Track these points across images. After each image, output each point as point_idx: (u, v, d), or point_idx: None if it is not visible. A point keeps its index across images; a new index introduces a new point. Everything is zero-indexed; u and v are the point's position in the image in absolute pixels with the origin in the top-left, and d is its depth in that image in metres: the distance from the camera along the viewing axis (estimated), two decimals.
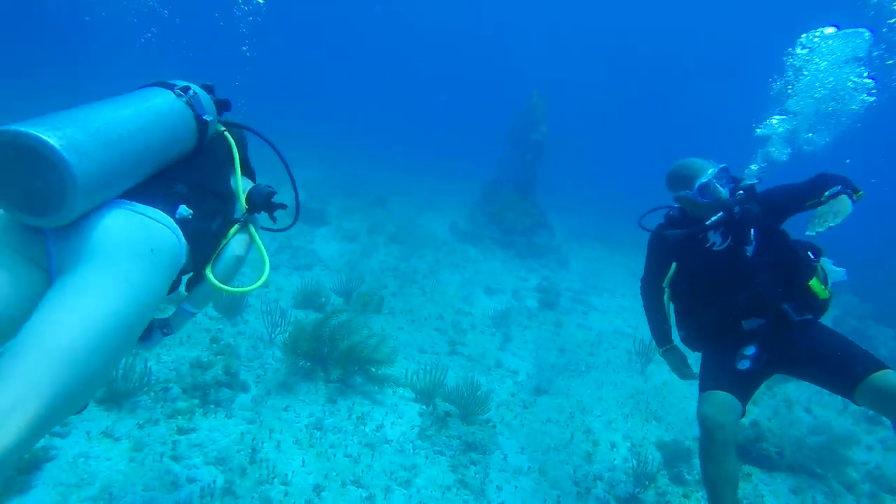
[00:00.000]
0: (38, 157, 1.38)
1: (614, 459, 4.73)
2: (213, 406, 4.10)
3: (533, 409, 5.38)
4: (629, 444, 4.98)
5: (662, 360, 6.92)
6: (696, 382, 6.45)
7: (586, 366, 6.90)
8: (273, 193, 2.23)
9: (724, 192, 3.00)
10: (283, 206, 2.25)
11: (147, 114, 1.76)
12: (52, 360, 1.27)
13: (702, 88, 48.81)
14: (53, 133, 1.39)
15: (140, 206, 1.63)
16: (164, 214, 1.68)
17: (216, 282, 1.96)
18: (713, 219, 2.96)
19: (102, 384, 1.56)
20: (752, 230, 2.97)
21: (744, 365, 2.90)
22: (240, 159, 2.22)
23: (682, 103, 49.55)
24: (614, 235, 18.56)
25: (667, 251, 3.26)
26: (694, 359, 3.45)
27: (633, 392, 6.26)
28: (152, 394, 4.02)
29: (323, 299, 6.70)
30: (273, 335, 5.48)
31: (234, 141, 2.25)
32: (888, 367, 2.69)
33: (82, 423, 3.65)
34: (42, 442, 3.42)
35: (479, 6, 47.42)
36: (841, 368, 2.75)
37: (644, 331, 9.07)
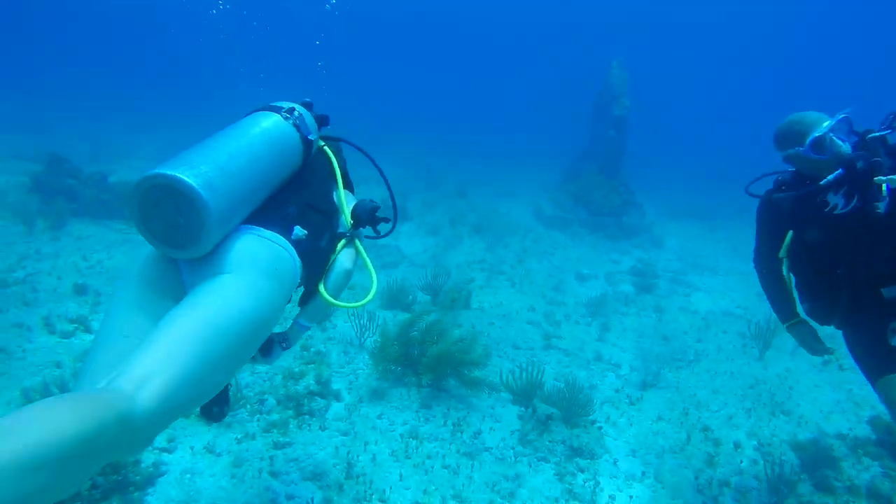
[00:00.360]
0: (180, 197, 1.54)
1: (740, 462, 4.23)
2: (307, 417, 4.04)
3: (640, 405, 4.96)
4: (756, 444, 4.45)
5: (782, 345, 6.27)
6: (828, 369, 5.70)
7: (695, 354, 6.33)
8: (377, 208, 2.27)
9: (843, 145, 2.60)
10: (386, 220, 2.30)
11: (262, 141, 1.88)
12: (186, 340, 1.39)
13: (810, 35, 44.52)
14: (191, 173, 1.55)
15: (260, 231, 1.76)
16: (282, 237, 1.79)
17: (329, 297, 2.03)
18: (830, 177, 2.56)
19: (225, 381, 1.62)
20: (886, 186, 2.51)
21: None
22: (340, 173, 2.31)
23: (787, 53, 45.52)
24: (710, 209, 17.29)
25: (779, 218, 2.88)
26: (825, 335, 3.00)
27: (752, 382, 5.65)
28: (248, 406, 4.02)
29: (410, 298, 6.56)
30: (362, 339, 5.40)
31: (334, 155, 2.33)
32: None
33: (186, 438, 3.69)
34: (153, 457, 3.48)
35: None
36: None
37: (757, 312, 8.31)
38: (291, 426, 3.91)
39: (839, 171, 2.56)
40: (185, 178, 1.52)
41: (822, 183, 2.60)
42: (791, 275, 3.02)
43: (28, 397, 3.82)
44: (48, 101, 21.92)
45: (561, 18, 49.44)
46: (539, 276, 8.65)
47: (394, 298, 6.53)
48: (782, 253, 2.95)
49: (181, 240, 1.59)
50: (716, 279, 10.12)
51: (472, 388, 4.61)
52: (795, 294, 3.06)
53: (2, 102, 22.69)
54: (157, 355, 1.34)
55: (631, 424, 4.61)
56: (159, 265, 1.70)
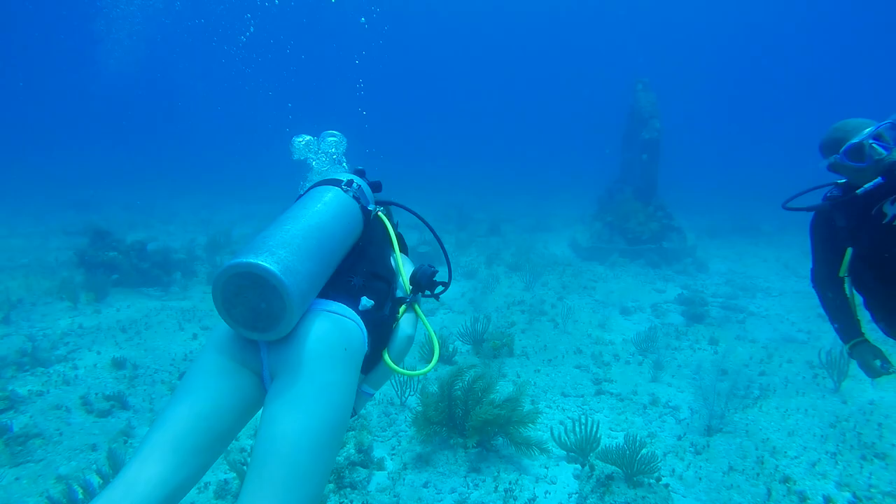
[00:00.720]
0: (262, 283, 1.59)
1: None
2: (348, 490, 3.80)
3: (708, 454, 4.54)
4: (850, 497, 3.97)
5: (860, 373, 5.75)
6: None
7: (760, 389, 5.85)
8: (435, 272, 2.30)
9: (884, 152, 2.44)
10: (444, 284, 2.33)
11: (329, 217, 1.95)
12: (288, 484, 1.48)
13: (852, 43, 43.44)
14: (271, 259, 1.59)
15: (332, 305, 1.81)
16: (350, 310, 1.83)
17: (393, 364, 2.05)
18: (868, 185, 2.43)
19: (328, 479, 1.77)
20: None
21: None
22: (395, 236, 2.38)
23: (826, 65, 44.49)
24: (751, 225, 16.68)
25: (834, 234, 2.70)
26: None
27: (832, 420, 5.15)
28: None
29: (451, 348, 6.32)
30: (404, 398, 5.16)
31: (388, 220, 2.40)
32: None
33: None
34: None
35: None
36: None
37: (822, 336, 7.75)
38: (332, 502, 3.67)
39: (879, 178, 2.41)
40: (267, 265, 1.58)
41: (858, 192, 2.46)
42: (857, 293, 2.77)
43: (64, 484, 3.71)
44: (94, 178, 22.93)
45: (585, 41, 49.74)
46: (582, 313, 8.30)
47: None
48: (843, 272, 2.73)
49: (264, 324, 1.65)
50: (770, 301, 9.56)
51: (522, 447, 4.30)
52: (865, 313, 2.81)
53: (54, 182, 23.90)
54: (276, 492, 1.47)
55: (700, 478, 4.20)
56: (239, 339, 1.76)
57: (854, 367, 5.79)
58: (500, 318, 7.90)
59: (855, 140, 2.50)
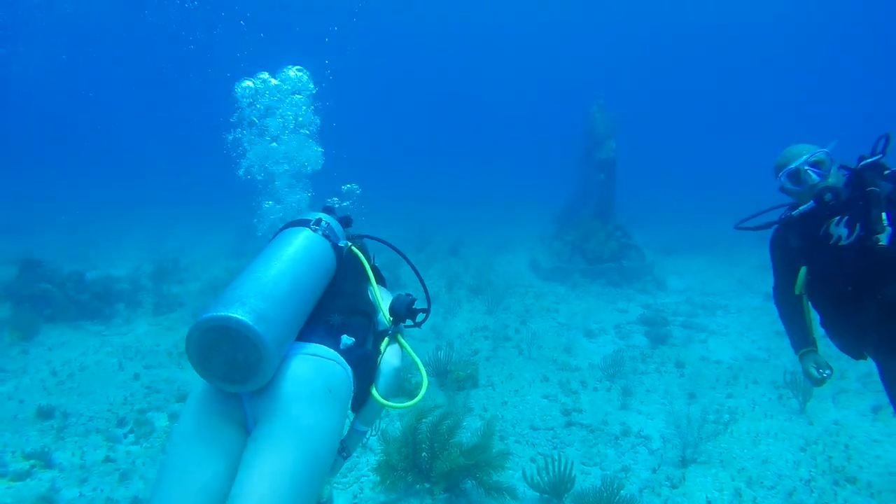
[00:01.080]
0: (237, 335, 1.56)
1: None
2: None
3: (685, 487, 4.37)
4: None
5: (821, 391, 5.74)
6: (882, 417, 5.18)
7: (729, 412, 5.77)
8: (413, 300, 2.27)
9: (816, 178, 2.63)
10: (425, 311, 2.31)
11: (299, 259, 1.92)
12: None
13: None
14: (243, 310, 1.58)
15: (311, 347, 1.79)
16: (331, 350, 1.82)
17: (382, 400, 2.02)
18: (801, 209, 2.67)
19: None
20: (885, 214, 2.45)
21: None
22: (371, 269, 2.36)
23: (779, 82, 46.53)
24: (707, 241, 16.99)
25: (788, 253, 2.87)
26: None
27: (801, 443, 5.08)
28: None
29: (413, 382, 6.01)
30: (365, 439, 4.82)
31: (362, 254, 2.38)
32: None
33: None
34: None
35: (530, 21, 46.55)
36: None
37: (781, 353, 7.79)
38: None
39: (810, 203, 2.62)
40: (238, 316, 1.56)
41: (793, 214, 2.70)
42: (813, 310, 2.91)
43: None
44: (27, 202, 21.66)
45: (545, 59, 50.69)
46: (546, 337, 8.13)
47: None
48: (798, 289, 2.83)
49: (241, 376, 1.62)
50: (730, 319, 9.64)
51: (493, 492, 4.02)
52: (822, 331, 2.93)
53: None
54: None
55: None
56: (220, 392, 1.71)
57: (818, 388, 5.79)
58: (464, 345, 7.65)
59: (792, 165, 2.68)
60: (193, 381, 1.79)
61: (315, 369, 1.74)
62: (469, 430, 5.10)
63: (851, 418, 5.62)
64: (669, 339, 8.25)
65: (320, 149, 3.39)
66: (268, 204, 3.15)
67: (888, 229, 2.44)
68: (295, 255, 1.94)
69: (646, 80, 47.87)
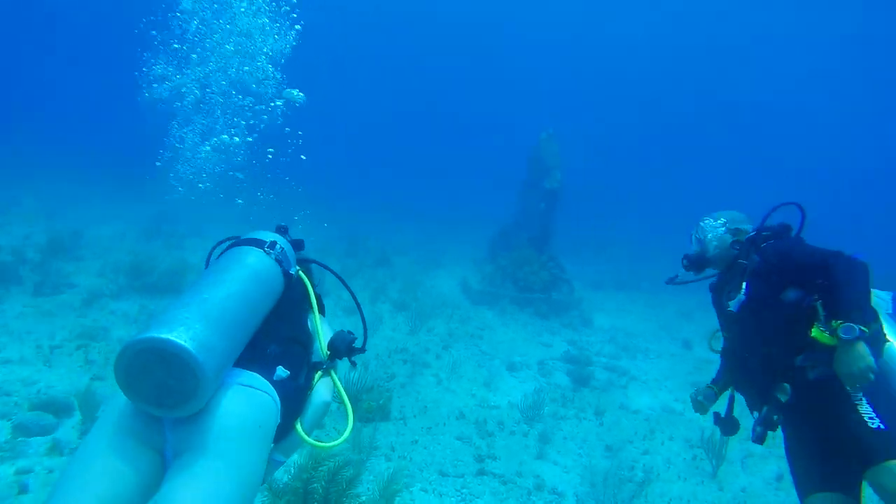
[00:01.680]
0: (175, 361, 1.49)
1: None
2: None
3: None
4: None
5: (731, 455, 5.68)
6: (784, 486, 5.22)
7: (644, 471, 5.59)
8: (353, 339, 2.23)
9: (695, 245, 3.00)
10: (362, 351, 2.27)
11: (249, 284, 1.86)
12: None
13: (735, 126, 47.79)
14: (186, 335, 1.50)
15: (245, 377, 1.72)
16: (265, 381, 1.76)
17: (305, 436, 1.95)
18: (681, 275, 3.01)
19: None
20: (745, 283, 2.65)
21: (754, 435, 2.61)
22: (315, 297, 2.27)
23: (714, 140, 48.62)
24: (633, 282, 17.34)
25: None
26: None
27: None
28: None
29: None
30: None
31: (309, 280, 2.31)
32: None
33: None
34: None
35: (488, 41, 46.84)
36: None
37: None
38: None
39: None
40: (181, 342, 1.48)
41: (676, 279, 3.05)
42: None
43: None
44: None
45: (494, 81, 51.10)
46: (468, 367, 7.78)
47: None
48: (709, 343, 2.99)
49: (172, 402, 1.54)
50: (649, 364, 9.66)
51: None
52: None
53: None
54: None
55: None
56: (139, 414, 1.60)
57: (728, 450, 5.74)
58: (380, 367, 7.17)
59: (699, 235, 3.01)
60: (108, 393, 1.82)
61: (247, 402, 1.67)
62: (373, 474, 4.64)
63: (757, 486, 5.59)
64: (591, 381, 8.10)
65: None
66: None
67: (736, 296, 2.66)
68: (246, 279, 1.87)
69: (597, 112, 49.17)
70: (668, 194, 38.18)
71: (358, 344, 2.26)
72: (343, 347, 2.19)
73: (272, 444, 1.77)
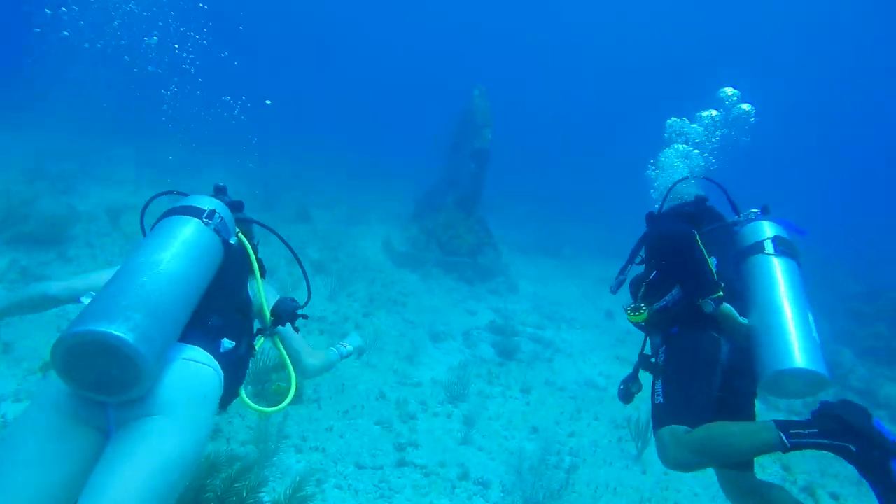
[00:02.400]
0: (115, 353, 1.45)
1: None
2: None
3: None
4: None
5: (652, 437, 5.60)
6: (700, 473, 5.05)
7: (570, 455, 5.41)
8: (297, 307, 2.24)
9: None
10: (304, 317, 2.29)
11: (188, 261, 1.79)
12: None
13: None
14: (125, 326, 1.45)
15: (187, 352, 1.72)
16: (207, 355, 1.76)
17: (249, 402, 2.06)
18: None
19: None
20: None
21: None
22: (256, 261, 2.23)
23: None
24: (556, 247, 17.41)
25: None
26: None
27: (637, 499, 4.83)
28: None
29: (273, 388, 4.85)
30: None
31: (249, 243, 2.25)
32: None
33: None
34: None
35: None
36: None
37: (618, 380, 7.82)
38: None
39: None
40: (121, 335, 1.44)
41: None
42: None
43: None
44: None
45: (427, 33, 49.25)
46: (390, 338, 7.30)
47: None
48: None
49: (114, 389, 1.50)
50: (574, 335, 9.60)
51: None
52: None
53: None
54: None
55: None
56: (79, 395, 1.55)
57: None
58: None
59: None
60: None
61: (190, 376, 1.67)
62: (281, 470, 4.09)
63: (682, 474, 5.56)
64: (517, 354, 7.87)
65: None
66: None
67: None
68: (184, 257, 1.79)
69: (530, 72, 48.64)
70: (602, 160, 38.83)
71: (302, 310, 2.27)
72: (286, 315, 2.20)
73: (216, 415, 1.77)
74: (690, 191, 2.95)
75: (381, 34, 49.54)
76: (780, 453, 2.08)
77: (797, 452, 1.84)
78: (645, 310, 2.49)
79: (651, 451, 5.65)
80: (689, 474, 5.49)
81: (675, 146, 3.77)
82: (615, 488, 4.95)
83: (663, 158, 3.77)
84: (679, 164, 3.68)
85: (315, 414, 5.06)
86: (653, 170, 3.75)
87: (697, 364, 2.28)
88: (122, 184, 12.45)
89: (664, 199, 2.90)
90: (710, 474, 5.45)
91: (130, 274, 1.66)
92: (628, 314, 2.52)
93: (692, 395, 2.18)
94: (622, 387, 2.72)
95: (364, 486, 4.27)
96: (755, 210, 2.64)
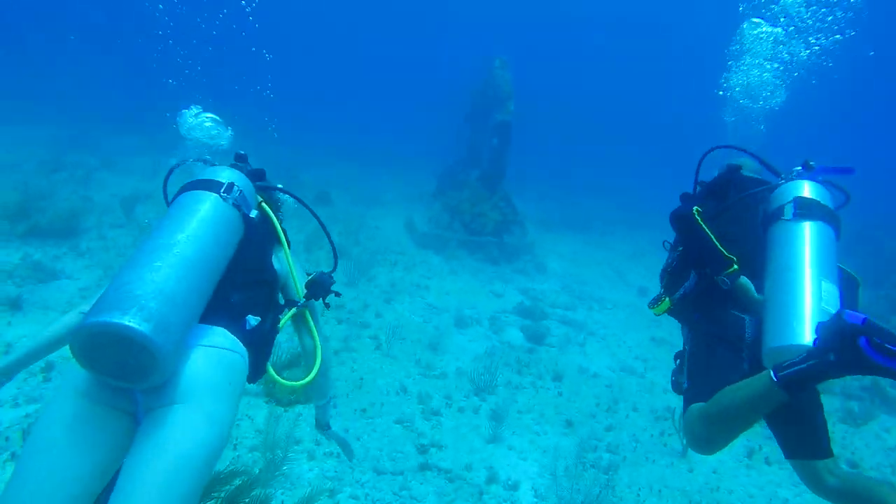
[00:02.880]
0: (131, 344, 1.43)
1: None
2: None
3: None
4: None
5: None
6: (755, 464, 4.75)
7: (608, 451, 4.97)
8: (333, 282, 2.19)
9: None
10: (338, 294, 2.23)
11: (206, 241, 1.73)
12: (163, 496, 1.38)
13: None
14: (140, 316, 1.42)
15: (212, 336, 1.68)
16: (231, 338, 1.73)
17: (277, 377, 2.03)
18: None
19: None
20: None
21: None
22: (282, 231, 2.16)
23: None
24: (585, 221, 16.77)
25: None
26: None
27: (685, 502, 4.37)
28: None
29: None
30: None
31: (273, 213, 2.17)
32: None
33: None
34: None
35: None
36: None
37: (658, 366, 7.31)
38: None
39: None
40: (135, 326, 1.41)
41: None
42: None
43: None
44: None
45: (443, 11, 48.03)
46: (412, 326, 6.91)
47: None
48: None
49: (134, 377, 1.48)
50: (607, 316, 9.10)
51: None
52: None
53: None
54: None
55: None
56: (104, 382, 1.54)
57: None
58: None
59: None
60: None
61: (215, 363, 1.63)
62: (289, 481, 3.75)
63: (729, 465, 5.08)
64: (547, 338, 7.43)
65: None
66: None
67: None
68: (202, 237, 1.71)
69: (546, 42, 47.16)
70: (627, 135, 37.57)
71: (335, 287, 2.20)
72: (321, 291, 2.15)
73: (240, 400, 1.73)
74: (730, 162, 2.72)
75: (388, 15, 48.49)
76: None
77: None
78: (666, 299, 2.47)
79: None
80: (741, 471, 5.02)
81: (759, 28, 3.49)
82: (660, 490, 4.50)
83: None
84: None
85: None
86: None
87: (717, 348, 2.22)
88: (138, 172, 12.25)
89: (696, 179, 2.76)
90: (766, 473, 4.98)
91: (146, 258, 1.59)
92: (651, 307, 2.51)
93: (713, 378, 2.09)
94: (673, 379, 2.53)
95: (383, 494, 3.90)
96: (798, 168, 2.43)
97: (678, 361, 2.57)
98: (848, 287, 2.30)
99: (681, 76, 45.55)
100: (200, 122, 2.64)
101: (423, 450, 4.45)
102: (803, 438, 2.11)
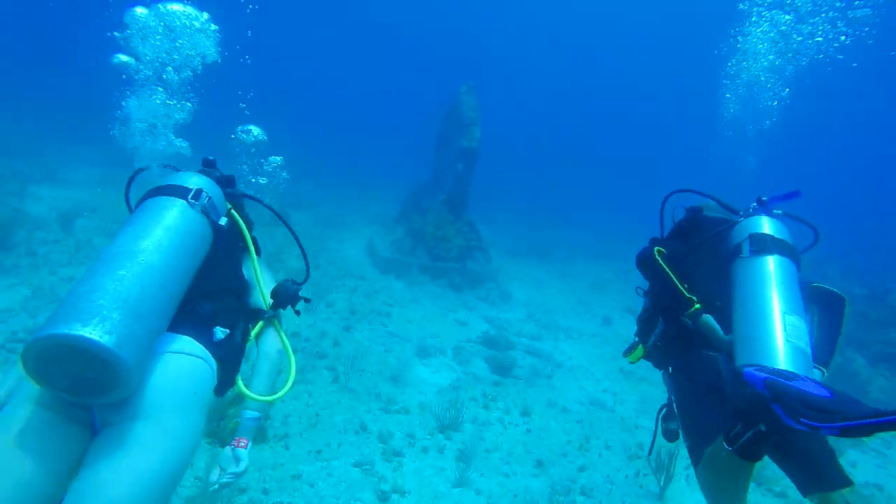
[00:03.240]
0: (91, 357, 1.33)
1: None
2: None
3: None
4: None
5: (677, 471, 4.83)
6: None
7: (583, 494, 4.65)
8: (298, 289, 2.13)
9: None
10: (307, 300, 2.20)
11: (172, 251, 1.64)
12: None
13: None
14: (101, 329, 1.33)
15: (177, 343, 1.61)
16: (197, 345, 1.66)
17: (246, 390, 1.92)
18: None
19: None
20: None
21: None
22: (251, 240, 2.14)
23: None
24: (547, 249, 16.68)
25: None
26: None
27: None
28: None
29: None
30: None
31: (244, 221, 2.14)
32: None
33: None
34: None
35: None
36: None
37: (626, 399, 7.08)
38: None
39: None
40: (97, 339, 1.31)
41: None
42: None
43: None
44: None
45: (415, 35, 48.38)
46: (373, 356, 6.49)
47: None
48: None
49: (93, 393, 1.39)
50: (573, 347, 8.86)
51: None
52: None
53: None
54: None
55: None
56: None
57: (676, 467, 4.91)
58: None
59: None
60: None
61: (180, 371, 1.56)
62: None
63: None
64: (514, 370, 7.11)
65: None
66: None
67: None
68: (168, 246, 1.62)
69: (517, 71, 47.95)
70: (591, 163, 38.13)
71: (302, 292, 2.14)
72: (286, 299, 2.08)
73: (208, 410, 1.63)
74: (692, 205, 2.83)
75: (366, 32, 48.61)
76: None
77: None
78: (640, 347, 2.54)
79: (676, 488, 4.92)
80: None
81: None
82: None
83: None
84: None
85: (281, 457, 4.22)
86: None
87: (702, 396, 2.26)
88: (82, 185, 11.50)
89: (661, 222, 2.83)
90: None
91: (108, 265, 1.49)
92: (625, 355, 2.59)
93: (704, 427, 2.18)
94: (663, 426, 2.60)
95: None
96: (753, 204, 2.52)
97: (664, 410, 2.60)
98: (830, 307, 2.37)
99: (655, 110, 47.01)
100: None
101: (384, 497, 4.02)
102: (811, 471, 2.04)
